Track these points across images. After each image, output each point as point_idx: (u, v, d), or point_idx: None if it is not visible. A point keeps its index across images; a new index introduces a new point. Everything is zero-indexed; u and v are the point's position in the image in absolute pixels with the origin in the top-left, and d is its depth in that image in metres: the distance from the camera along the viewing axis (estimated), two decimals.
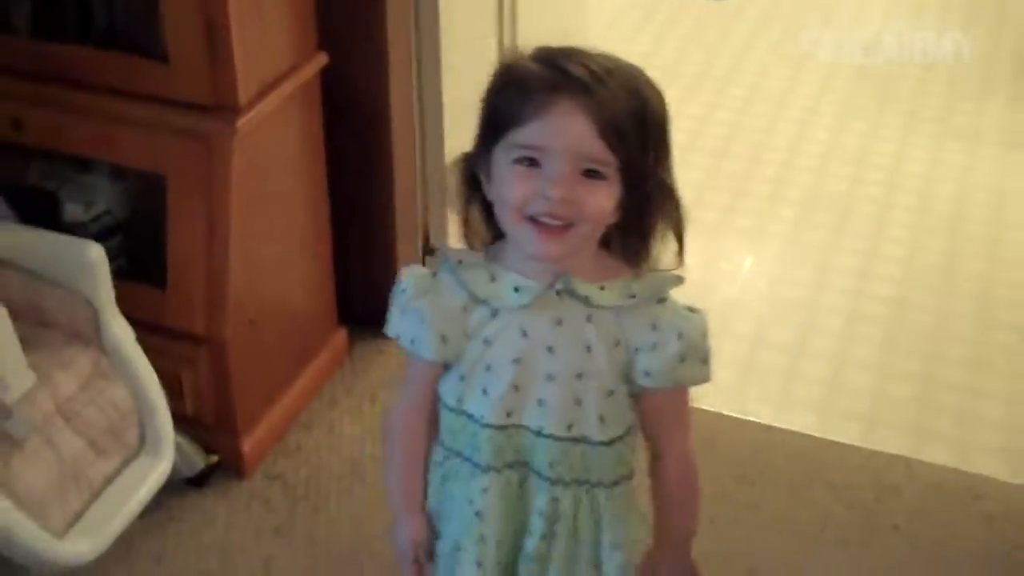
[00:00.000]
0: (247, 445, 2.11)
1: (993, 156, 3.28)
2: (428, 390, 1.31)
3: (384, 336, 2.54)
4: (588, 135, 1.12)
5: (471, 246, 1.27)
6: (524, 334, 1.23)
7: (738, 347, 2.51)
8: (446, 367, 1.28)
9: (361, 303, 2.40)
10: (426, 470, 1.38)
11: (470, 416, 1.27)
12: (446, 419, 1.31)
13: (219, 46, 1.79)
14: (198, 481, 2.08)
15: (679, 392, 1.28)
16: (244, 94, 1.86)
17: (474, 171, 1.22)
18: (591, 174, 1.14)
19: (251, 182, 1.94)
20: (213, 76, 1.82)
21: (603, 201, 1.15)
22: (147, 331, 1.87)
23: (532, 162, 1.14)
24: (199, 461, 2.06)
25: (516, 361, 1.23)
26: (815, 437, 2.28)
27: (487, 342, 1.24)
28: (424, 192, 2.50)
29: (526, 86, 1.14)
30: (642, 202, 1.19)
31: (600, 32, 3.50)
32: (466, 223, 1.26)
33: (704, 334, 1.23)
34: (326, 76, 2.11)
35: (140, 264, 1.99)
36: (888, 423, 2.34)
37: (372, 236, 2.37)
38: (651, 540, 1.37)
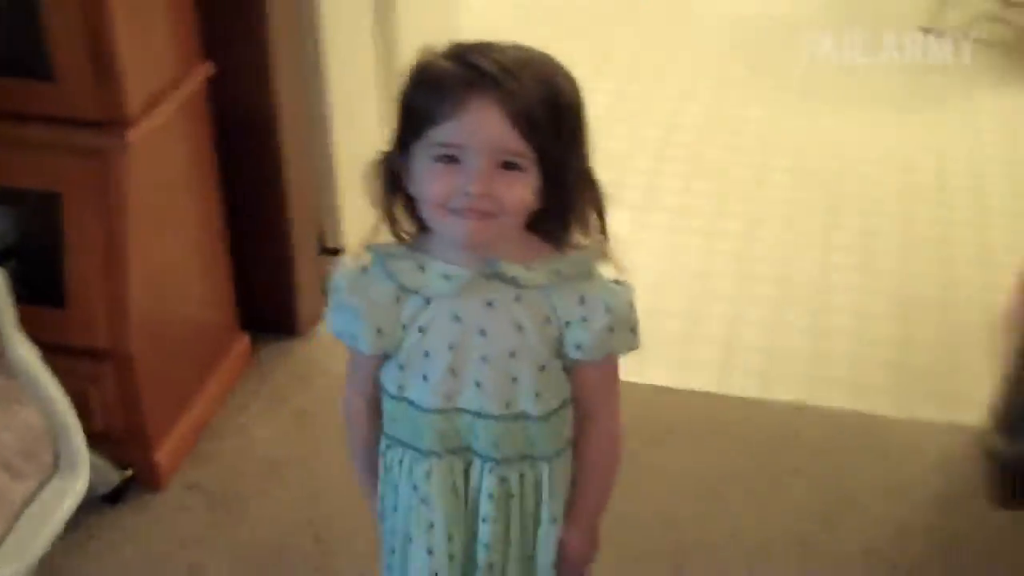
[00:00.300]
0: (160, 457, 2.11)
1: (860, 117, 3.45)
2: (371, 378, 1.34)
3: (289, 337, 2.58)
4: (503, 129, 1.15)
5: (398, 239, 1.29)
6: (457, 319, 1.25)
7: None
8: (386, 357, 1.30)
9: (264, 307, 2.43)
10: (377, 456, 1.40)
11: (412, 403, 1.30)
12: (388, 407, 1.33)
13: (105, 60, 1.80)
14: (114, 497, 2.07)
15: (609, 363, 1.32)
16: (133, 107, 1.86)
17: (393, 168, 1.25)
18: (509, 166, 1.17)
19: (145, 195, 1.95)
20: (101, 91, 1.82)
21: (521, 191, 1.19)
22: (50, 351, 1.86)
23: (451, 159, 1.17)
24: (113, 477, 2.05)
25: (451, 346, 1.26)
26: (715, 394, 2.38)
27: (422, 330, 1.26)
28: (317, 195, 2.52)
29: (440, 85, 1.16)
30: (561, 187, 1.22)
31: (473, 29, 3.54)
32: (390, 218, 1.29)
33: (630, 304, 1.29)
34: (213, 85, 2.12)
35: (35, 286, 1.98)
36: (783, 375, 2.44)
37: (269, 241, 2.39)
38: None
